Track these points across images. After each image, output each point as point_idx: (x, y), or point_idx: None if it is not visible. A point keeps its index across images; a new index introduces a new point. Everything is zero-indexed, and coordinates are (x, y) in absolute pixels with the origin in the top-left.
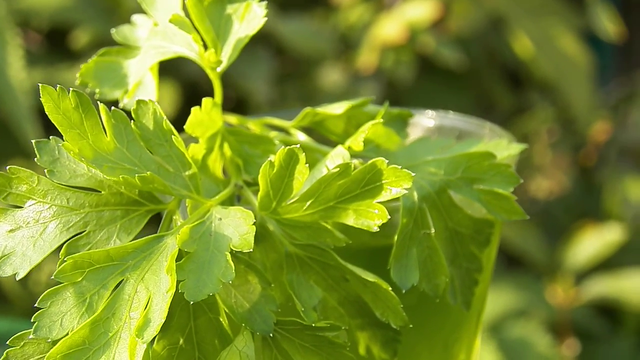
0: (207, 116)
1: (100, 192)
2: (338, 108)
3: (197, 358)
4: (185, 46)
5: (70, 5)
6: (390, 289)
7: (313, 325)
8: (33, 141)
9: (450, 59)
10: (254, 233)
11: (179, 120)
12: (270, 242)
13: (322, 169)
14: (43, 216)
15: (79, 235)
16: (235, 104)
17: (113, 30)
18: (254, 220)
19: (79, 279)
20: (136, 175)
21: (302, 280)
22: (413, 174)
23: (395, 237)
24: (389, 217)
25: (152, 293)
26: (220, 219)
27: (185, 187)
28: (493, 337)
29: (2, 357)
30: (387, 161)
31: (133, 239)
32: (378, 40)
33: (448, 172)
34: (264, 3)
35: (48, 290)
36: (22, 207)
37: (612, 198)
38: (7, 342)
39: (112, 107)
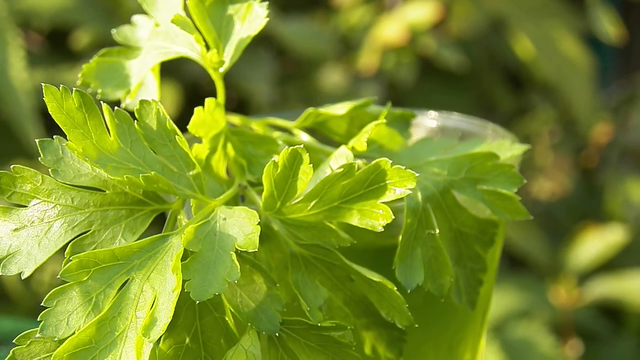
0: (210, 116)
1: (105, 191)
2: (341, 108)
3: (203, 357)
4: (187, 46)
5: (71, 6)
6: (395, 288)
7: (319, 324)
8: (37, 140)
9: (451, 61)
10: (259, 233)
11: (180, 121)
12: (275, 242)
13: (325, 169)
14: (48, 215)
15: (83, 235)
16: (237, 105)
17: (114, 31)
18: (259, 220)
19: (85, 278)
20: (140, 175)
21: (307, 280)
22: (417, 174)
23: (400, 237)
24: (393, 217)
25: (158, 292)
26: (225, 218)
27: (190, 187)
28: (496, 338)
29: (9, 356)
30: (391, 161)
31: (138, 239)
32: (379, 41)
33: (452, 172)
34: (266, 3)
35: (54, 289)
36: (27, 206)
37: (613, 199)
38: (14, 341)
39: (115, 107)
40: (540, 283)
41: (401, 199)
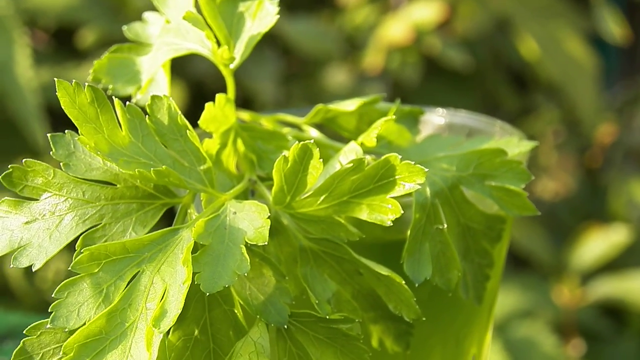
0: (220, 112)
1: (116, 185)
2: (350, 105)
3: (212, 349)
4: (198, 43)
5: (77, 4)
6: (403, 282)
7: (327, 317)
8: (49, 135)
9: (456, 61)
10: (269, 227)
11: (186, 119)
12: (284, 236)
13: (335, 165)
14: (59, 209)
15: (94, 228)
16: (241, 103)
17: (125, 28)
18: (269, 214)
19: (96, 270)
20: (151, 169)
21: (316, 274)
22: (426, 170)
23: (408, 232)
24: (402, 212)
25: (168, 284)
26: (235, 212)
27: (200, 181)
28: (499, 337)
29: (19, 347)
30: (400, 157)
31: (148, 232)
32: (384, 41)
33: (460, 168)
34: (276, 0)
35: (65, 280)
36: (38, 200)
37: (617, 200)
38: (24, 332)
39: (127, 102)
40: (543, 282)
41: (410, 194)
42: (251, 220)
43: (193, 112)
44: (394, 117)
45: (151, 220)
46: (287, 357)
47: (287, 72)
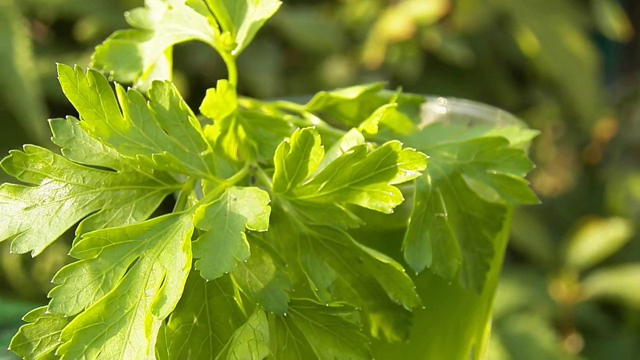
0: (221, 98)
1: (116, 171)
2: (352, 92)
3: (210, 337)
4: (200, 29)
5: None
6: (403, 270)
7: (327, 305)
8: (49, 120)
9: (455, 55)
10: (269, 213)
11: None
12: (284, 223)
13: (336, 151)
14: (59, 194)
15: (94, 214)
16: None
17: (127, 13)
18: (269, 201)
19: (95, 256)
20: (152, 154)
21: (316, 261)
22: (427, 157)
23: (409, 220)
24: (403, 199)
25: (167, 271)
26: (236, 199)
27: (201, 168)
28: (496, 332)
29: (17, 334)
30: (401, 144)
31: (148, 218)
32: (384, 35)
33: (461, 156)
34: None
35: (64, 266)
36: (38, 185)
37: (615, 195)
38: (22, 318)
39: (129, 88)
40: (541, 278)
41: (411, 182)
42: (251, 206)
43: (193, 104)
44: (395, 104)
45: (151, 206)
46: (287, 345)
47: (286, 66)
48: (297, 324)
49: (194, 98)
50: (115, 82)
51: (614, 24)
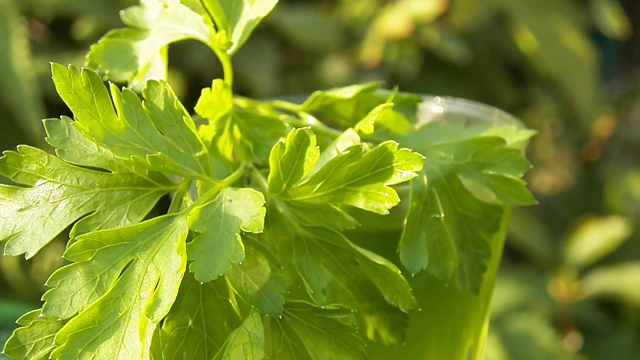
0: (217, 98)
1: (111, 172)
2: (348, 92)
3: (205, 339)
4: (196, 28)
5: None
6: (399, 272)
7: (322, 308)
8: (43, 120)
9: (454, 53)
10: (264, 215)
11: None
12: (280, 225)
13: (332, 152)
14: (53, 195)
15: (88, 215)
16: (239, 95)
17: (122, 12)
18: (264, 202)
19: (89, 259)
20: (147, 155)
21: (311, 263)
22: (423, 157)
23: (405, 221)
24: (399, 200)
25: (162, 273)
26: (231, 200)
27: (196, 168)
28: (495, 331)
29: (11, 337)
30: (397, 144)
31: (143, 220)
32: (382, 33)
33: (458, 156)
34: None
35: (58, 269)
36: (32, 187)
37: (614, 193)
38: (16, 322)
39: (123, 87)
40: (540, 276)
41: (407, 183)
42: (247, 208)
43: (190, 103)
44: (391, 104)
45: (146, 207)
46: (282, 348)
47: (284, 64)
48: (292, 326)
49: (192, 97)
50: (109, 82)
51: (613, 21)
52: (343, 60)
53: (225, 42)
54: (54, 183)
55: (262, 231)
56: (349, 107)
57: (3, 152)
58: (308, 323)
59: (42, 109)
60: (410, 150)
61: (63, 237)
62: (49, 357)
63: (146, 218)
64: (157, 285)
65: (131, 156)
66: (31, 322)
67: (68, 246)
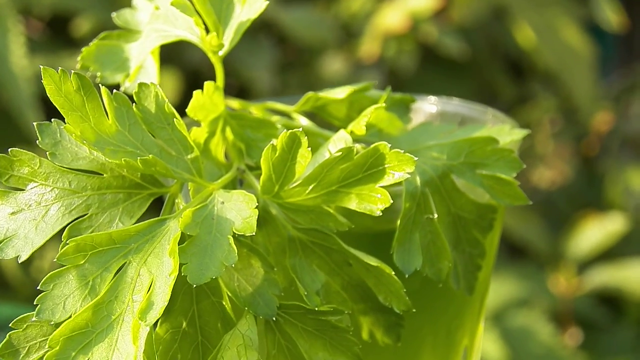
0: (209, 100)
1: (102, 175)
2: (340, 92)
3: (200, 342)
4: (187, 30)
5: None
6: (393, 273)
7: (316, 309)
8: (35, 124)
9: (452, 49)
10: (257, 217)
11: (180, 107)
12: (272, 226)
13: (324, 153)
14: (45, 199)
15: (81, 218)
16: (237, 92)
17: (114, 14)
18: (257, 204)
19: (82, 262)
20: (138, 158)
21: (305, 265)
22: (416, 158)
23: (398, 222)
24: (391, 201)
25: (154, 276)
26: (223, 202)
27: (188, 171)
28: (495, 326)
29: (4, 340)
30: (389, 145)
31: (135, 222)
32: (380, 29)
33: (451, 156)
34: None
35: (51, 272)
36: (24, 190)
37: (614, 188)
38: (10, 325)
39: (114, 90)
40: (539, 271)
41: (400, 183)
42: (239, 210)
43: (188, 101)
44: (384, 105)
45: (138, 210)
46: (276, 350)
47: (283, 61)
48: (286, 328)
49: (190, 94)
50: (100, 85)
51: (612, 16)
52: (341, 56)
53: (217, 44)
54: (46, 186)
55: (254, 233)
56: (342, 107)
57: None
58: (302, 325)
59: (40, 108)
60: (403, 151)
61: (60, 233)
62: None
63: (139, 220)
64: (150, 288)
65: (122, 159)
66: (25, 325)
67: (60, 249)
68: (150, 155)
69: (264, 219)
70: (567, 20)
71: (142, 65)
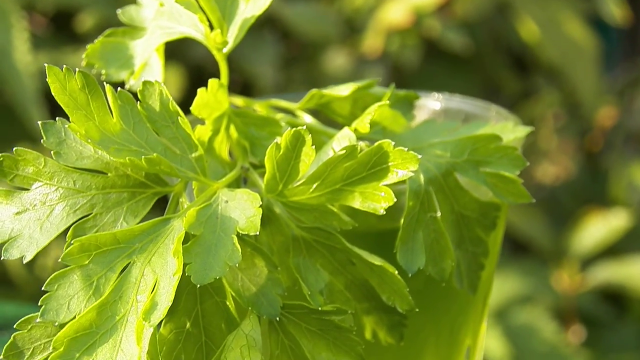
0: (213, 97)
1: (107, 174)
2: (344, 90)
3: (203, 342)
4: (192, 27)
5: None
6: (396, 272)
7: (319, 309)
8: (39, 122)
9: (456, 43)
10: (261, 216)
11: (185, 103)
12: (276, 225)
13: (328, 151)
14: (50, 198)
15: (85, 218)
16: (241, 88)
17: (119, 11)
18: (261, 203)
19: (86, 262)
20: (143, 157)
21: (308, 264)
22: (419, 156)
23: (402, 220)
24: (395, 199)
25: (159, 276)
26: (227, 201)
27: (192, 169)
28: (499, 323)
29: (9, 341)
30: (393, 143)
31: (140, 222)
32: (383, 24)
33: (454, 154)
34: None
35: (55, 273)
36: (29, 189)
37: (618, 183)
38: (15, 326)
39: (119, 88)
40: (543, 268)
41: (403, 182)
42: (243, 209)
43: (192, 97)
44: (388, 102)
45: (142, 209)
46: (280, 350)
47: (286, 56)
48: (289, 328)
49: (194, 90)
50: (105, 83)
51: (615, 10)
52: (345, 51)
53: (221, 41)
54: (50, 186)
55: (258, 233)
56: (346, 104)
57: (0, 155)
58: (305, 324)
59: (44, 104)
60: (406, 149)
61: (65, 232)
62: None
63: (143, 219)
64: (154, 288)
65: (127, 158)
66: (29, 326)
67: (65, 249)
68: (154, 154)
69: (267, 217)
70: (571, 15)
71: (147, 63)
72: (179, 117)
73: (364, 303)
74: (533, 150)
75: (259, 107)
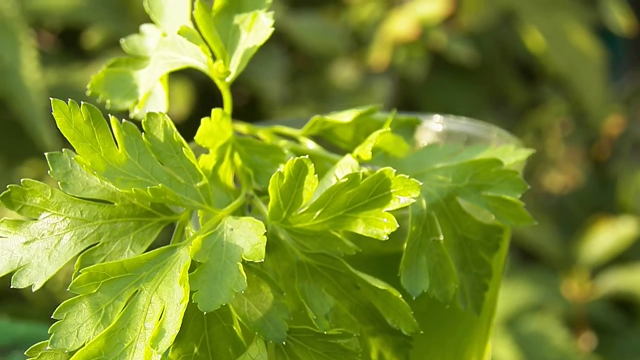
0: (216, 126)
1: (113, 203)
2: (346, 116)
3: None
4: (194, 57)
5: (83, 5)
6: (400, 296)
7: (325, 332)
8: (46, 154)
9: (462, 55)
10: (265, 243)
11: (192, 120)
12: (281, 252)
13: (331, 179)
14: (57, 228)
15: (93, 247)
16: (248, 102)
17: (122, 41)
18: (265, 231)
19: (94, 291)
20: (148, 187)
21: (313, 289)
22: (421, 183)
23: (405, 245)
24: (397, 225)
25: (166, 304)
26: (232, 229)
27: (197, 198)
28: (509, 332)
29: None
30: (395, 170)
31: (146, 250)
32: (390, 36)
33: (456, 179)
34: (271, 13)
35: (64, 302)
36: (37, 220)
37: (626, 191)
38: (25, 353)
39: (123, 120)
40: (552, 276)
41: (406, 207)
42: (248, 237)
43: (200, 113)
44: (389, 129)
45: (149, 238)
46: None
47: (293, 69)
48: (296, 352)
49: (203, 106)
50: (110, 115)
51: (621, 19)
52: (351, 64)
53: (224, 71)
54: (58, 216)
55: (263, 260)
56: (348, 130)
57: (7, 186)
58: (312, 348)
59: (52, 121)
60: (408, 176)
61: (73, 261)
62: None
63: (150, 248)
64: (161, 316)
65: (133, 189)
66: (39, 354)
67: (73, 279)
68: (159, 184)
69: (272, 244)
70: (576, 24)
71: (150, 92)
72: (183, 148)
73: (369, 326)
74: (541, 159)
75: (263, 134)
